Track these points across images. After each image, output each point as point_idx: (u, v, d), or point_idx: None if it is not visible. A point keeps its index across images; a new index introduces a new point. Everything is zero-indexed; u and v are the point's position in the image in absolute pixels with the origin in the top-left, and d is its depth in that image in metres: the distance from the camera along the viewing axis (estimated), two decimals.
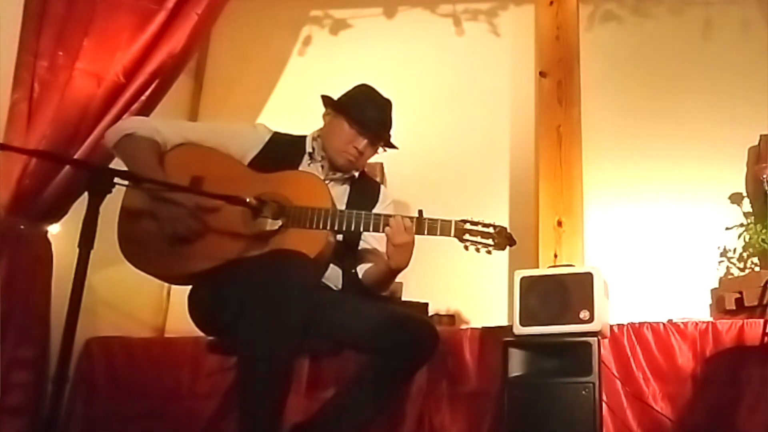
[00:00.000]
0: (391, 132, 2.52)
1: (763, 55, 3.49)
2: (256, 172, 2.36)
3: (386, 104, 2.51)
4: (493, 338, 2.74)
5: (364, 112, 2.42)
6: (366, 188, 2.56)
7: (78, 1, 2.80)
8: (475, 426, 2.75)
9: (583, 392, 2.32)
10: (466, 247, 2.23)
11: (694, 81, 3.57)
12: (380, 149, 2.52)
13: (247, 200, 2.16)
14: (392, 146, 2.54)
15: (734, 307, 2.93)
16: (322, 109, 2.52)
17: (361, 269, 2.43)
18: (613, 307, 2.63)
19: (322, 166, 2.46)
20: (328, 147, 2.44)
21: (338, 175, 2.47)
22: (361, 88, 2.51)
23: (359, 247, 2.46)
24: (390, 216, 2.25)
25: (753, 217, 3.21)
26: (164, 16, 2.82)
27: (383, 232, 2.24)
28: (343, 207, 2.41)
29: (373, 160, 3.20)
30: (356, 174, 2.53)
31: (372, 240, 2.44)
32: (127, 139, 2.31)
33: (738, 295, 2.93)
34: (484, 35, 3.83)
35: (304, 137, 2.50)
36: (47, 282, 2.70)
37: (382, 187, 2.65)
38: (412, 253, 2.26)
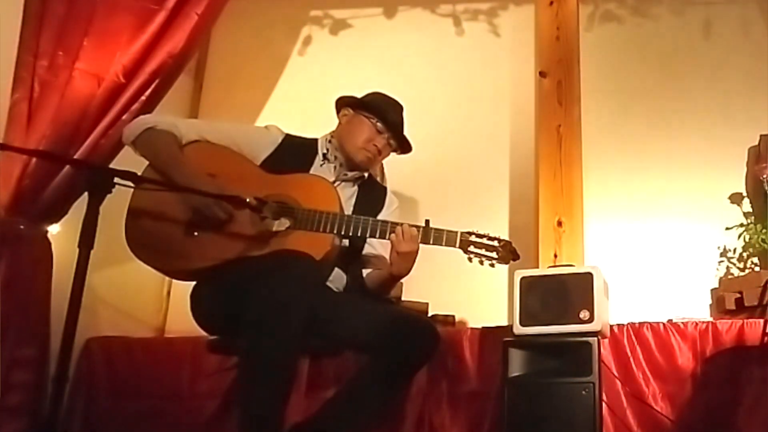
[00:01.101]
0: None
1: (763, 55, 3.49)
2: (267, 173, 2.37)
3: (401, 109, 2.57)
4: (493, 338, 2.74)
5: (386, 112, 2.49)
6: (373, 192, 2.57)
7: (78, 1, 2.80)
8: (475, 426, 2.75)
9: (583, 392, 2.32)
10: (470, 259, 2.25)
11: (694, 81, 3.57)
12: (394, 152, 2.57)
13: (247, 200, 2.16)
14: (408, 149, 2.57)
15: (734, 307, 2.93)
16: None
17: (364, 273, 2.44)
18: (613, 307, 2.63)
19: (335, 167, 2.47)
20: (346, 145, 2.46)
21: (350, 175, 2.48)
22: (376, 94, 2.57)
23: (364, 252, 2.47)
24: (397, 224, 2.26)
25: (753, 217, 3.20)
26: (164, 16, 2.82)
27: (389, 239, 2.25)
28: (351, 209, 2.43)
29: None
30: (366, 175, 2.54)
31: (377, 245, 2.45)
32: (149, 133, 2.33)
33: (738, 295, 2.93)
34: (484, 35, 3.83)
35: (315, 140, 2.52)
36: (47, 282, 2.70)
37: (388, 191, 2.66)
38: (414, 261, 2.27)
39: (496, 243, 2.25)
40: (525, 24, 3.71)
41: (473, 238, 2.25)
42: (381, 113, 2.47)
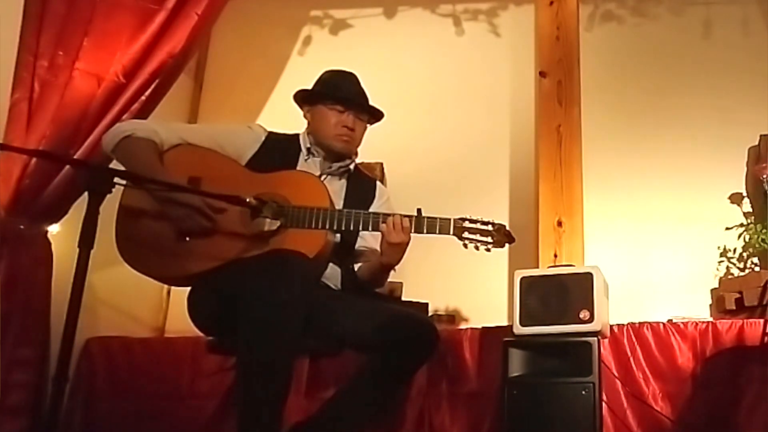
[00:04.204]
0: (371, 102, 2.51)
1: (763, 55, 3.49)
2: (253, 172, 2.36)
3: (354, 77, 2.52)
4: (493, 338, 2.74)
5: (338, 89, 2.45)
6: (362, 184, 2.56)
7: (78, 1, 2.80)
8: (475, 426, 2.75)
9: (583, 392, 2.33)
10: (465, 245, 2.24)
11: (694, 81, 3.57)
12: (369, 125, 2.52)
13: (247, 200, 2.16)
14: (379, 115, 2.52)
15: (734, 307, 2.93)
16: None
17: (357, 267, 2.43)
18: (613, 307, 2.63)
19: (320, 162, 2.47)
20: (320, 137, 2.45)
21: (334, 167, 2.47)
22: (324, 74, 2.53)
23: (357, 246, 2.47)
24: (389, 214, 2.26)
25: (753, 217, 3.21)
26: (164, 16, 2.82)
27: (380, 229, 2.24)
28: (341, 203, 2.42)
29: (372, 159, 3.22)
30: (352, 167, 2.53)
31: (369, 238, 2.44)
32: (127, 141, 2.29)
33: (738, 295, 2.94)
34: (484, 35, 3.83)
35: (297, 135, 2.51)
36: (47, 282, 2.70)
37: (378, 183, 2.64)
38: (405, 251, 2.27)
39: (489, 227, 2.24)
40: (525, 24, 3.71)
41: (467, 224, 2.24)
42: (334, 93, 2.44)
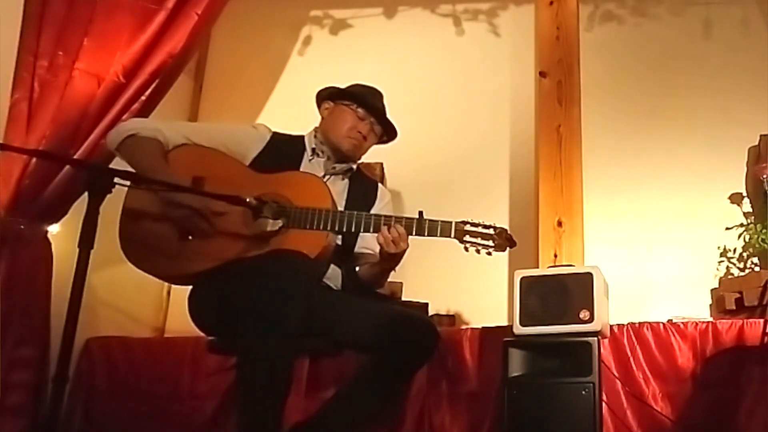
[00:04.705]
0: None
1: (763, 55, 3.49)
2: (257, 172, 2.36)
3: (381, 96, 2.58)
4: (493, 338, 2.74)
5: (365, 98, 2.50)
6: (364, 185, 2.58)
7: (78, 1, 2.80)
8: (475, 426, 2.75)
9: (583, 392, 2.32)
10: (467, 249, 2.24)
11: (694, 81, 3.57)
12: (381, 142, 2.57)
13: (248, 200, 2.16)
14: (394, 134, 2.57)
15: (734, 307, 2.93)
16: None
17: (357, 268, 2.44)
18: (613, 307, 2.63)
19: (323, 162, 2.48)
20: (331, 135, 2.47)
21: (338, 168, 2.48)
22: (354, 84, 2.58)
23: (357, 247, 2.47)
24: (390, 217, 2.26)
25: (753, 217, 3.21)
26: (164, 16, 2.82)
27: (378, 240, 2.25)
28: (343, 203, 2.43)
29: (372, 160, 3.22)
30: (354, 167, 2.54)
31: (371, 240, 2.44)
32: (131, 140, 2.30)
33: (738, 295, 2.94)
34: (484, 35, 3.83)
35: (302, 136, 2.53)
36: (47, 282, 2.70)
37: (379, 185, 2.67)
38: (403, 256, 2.28)
39: (491, 231, 2.24)
40: (525, 24, 3.71)
41: (468, 227, 2.24)
42: (360, 99, 2.49)
